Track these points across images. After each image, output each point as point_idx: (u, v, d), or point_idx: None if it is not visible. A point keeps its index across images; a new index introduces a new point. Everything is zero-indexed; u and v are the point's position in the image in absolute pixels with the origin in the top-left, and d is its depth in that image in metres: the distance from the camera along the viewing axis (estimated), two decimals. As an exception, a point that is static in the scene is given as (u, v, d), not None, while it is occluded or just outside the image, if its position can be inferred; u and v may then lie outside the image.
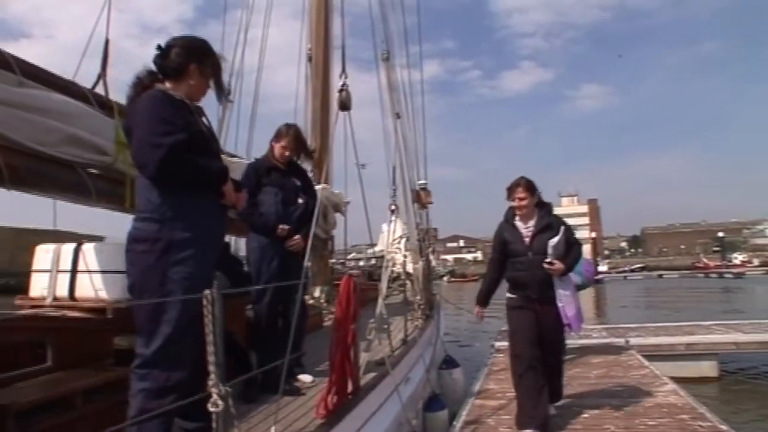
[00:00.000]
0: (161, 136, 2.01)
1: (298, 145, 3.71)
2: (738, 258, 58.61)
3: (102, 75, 3.43)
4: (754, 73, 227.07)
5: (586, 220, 79.39)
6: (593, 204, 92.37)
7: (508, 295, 3.99)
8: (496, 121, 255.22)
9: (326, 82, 7.05)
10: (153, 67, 2.22)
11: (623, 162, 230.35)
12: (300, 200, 3.65)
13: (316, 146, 6.71)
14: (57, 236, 4.21)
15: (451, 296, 14.75)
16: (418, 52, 8.93)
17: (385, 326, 3.89)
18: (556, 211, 4.20)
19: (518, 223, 3.93)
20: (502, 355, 6.53)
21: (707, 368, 7.57)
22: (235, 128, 6.52)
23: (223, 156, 2.93)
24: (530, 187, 3.91)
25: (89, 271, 3.09)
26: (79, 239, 3.48)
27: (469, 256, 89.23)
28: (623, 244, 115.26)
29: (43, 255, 3.27)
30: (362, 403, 3.02)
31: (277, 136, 3.66)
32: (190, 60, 2.20)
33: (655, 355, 7.18)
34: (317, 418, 2.71)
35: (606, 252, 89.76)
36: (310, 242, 3.20)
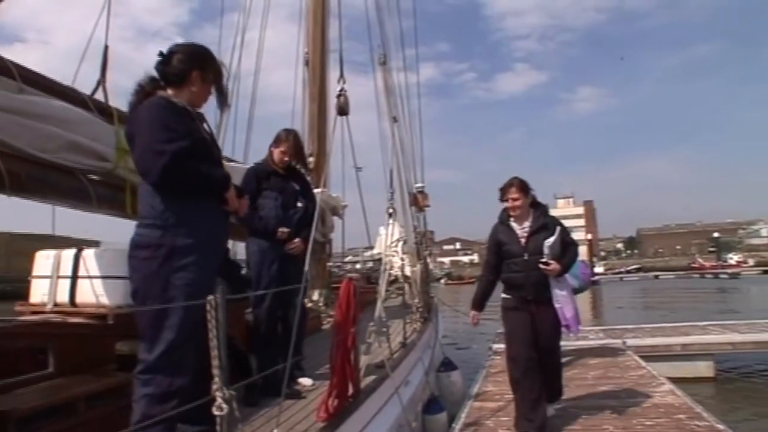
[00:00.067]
0: (164, 143, 2.03)
1: (297, 151, 3.74)
2: (733, 258, 58.78)
3: (101, 81, 3.44)
4: (748, 75, 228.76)
5: (581, 221, 79.41)
6: (589, 205, 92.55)
7: (504, 296, 3.94)
8: (491, 124, 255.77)
9: (323, 86, 7.08)
10: (155, 74, 2.24)
11: (619, 164, 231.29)
12: (299, 204, 3.69)
13: (313, 150, 6.74)
14: (52, 241, 4.22)
15: (448, 299, 14.79)
16: (414, 55, 8.99)
17: (384, 329, 3.90)
18: (552, 212, 4.15)
19: (513, 224, 3.87)
20: (499, 357, 6.54)
21: (703, 368, 7.61)
22: (232, 131, 6.54)
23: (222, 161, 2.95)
24: (523, 187, 3.85)
25: (90, 277, 3.10)
26: (74, 244, 3.49)
27: (466, 259, 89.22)
28: (619, 246, 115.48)
29: (44, 261, 3.28)
30: (363, 406, 3.04)
31: (277, 142, 3.69)
32: (192, 67, 2.22)
33: (651, 355, 7.22)
34: (318, 421, 2.73)
35: (602, 253, 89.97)
36: (310, 246, 3.21)
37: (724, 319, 10.15)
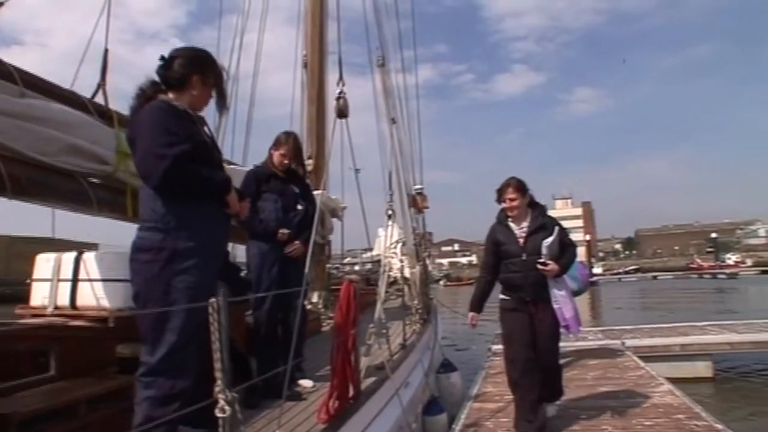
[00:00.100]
0: (165, 147, 2.04)
1: (296, 154, 3.75)
2: (731, 258, 58.97)
3: (101, 84, 3.45)
4: (746, 75, 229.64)
5: (580, 222, 79.59)
6: (587, 206, 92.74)
7: (502, 296, 3.90)
8: (489, 125, 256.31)
9: (322, 89, 7.10)
10: (155, 77, 2.25)
11: (617, 164, 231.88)
12: (299, 207, 3.70)
13: (312, 152, 6.76)
14: (50, 244, 4.21)
15: (447, 300, 14.80)
16: (412, 57, 9.03)
17: (384, 331, 3.91)
18: (550, 213, 4.07)
19: (511, 224, 3.83)
20: (498, 358, 6.55)
21: (702, 368, 7.64)
22: (231, 133, 6.56)
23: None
24: (521, 187, 3.81)
25: (90, 280, 3.11)
26: (73, 247, 3.50)
27: (464, 260, 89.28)
28: (617, 246, 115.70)
29: (44, 264, 3.29)
30: (363, 407, 3.05)
31: (276, 144, 3.70)
32: (193, 71, 2.23)
33: (650, 356, 7.23)
34: (319, 423, 2.74)
35: (600, 254, 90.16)
36: (310, 249, 3.22)
37: (723, 320, 10.18)
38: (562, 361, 4.38)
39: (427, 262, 8.11)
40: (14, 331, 2.64)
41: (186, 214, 2.11)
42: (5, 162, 2.63)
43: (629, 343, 7.68)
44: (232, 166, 4.84)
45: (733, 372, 7.98)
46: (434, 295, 8.53)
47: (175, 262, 2.07)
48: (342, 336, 2.95)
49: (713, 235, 66.32)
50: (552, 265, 3.63)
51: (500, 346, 6.69)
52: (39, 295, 3.25)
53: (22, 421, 2.17)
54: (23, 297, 3.32)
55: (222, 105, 2.53)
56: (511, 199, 3.78)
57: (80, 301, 3.12)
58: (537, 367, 3.73)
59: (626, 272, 58.81)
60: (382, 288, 4.36)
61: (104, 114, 3.30)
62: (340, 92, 3.92)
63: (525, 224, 3.80)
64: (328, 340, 3.25)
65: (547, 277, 3.69)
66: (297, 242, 3.57)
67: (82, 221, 3.46)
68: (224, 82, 2.42)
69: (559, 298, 3.72)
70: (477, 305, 4.00)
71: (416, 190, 8.00)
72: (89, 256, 3.19)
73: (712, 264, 54.54)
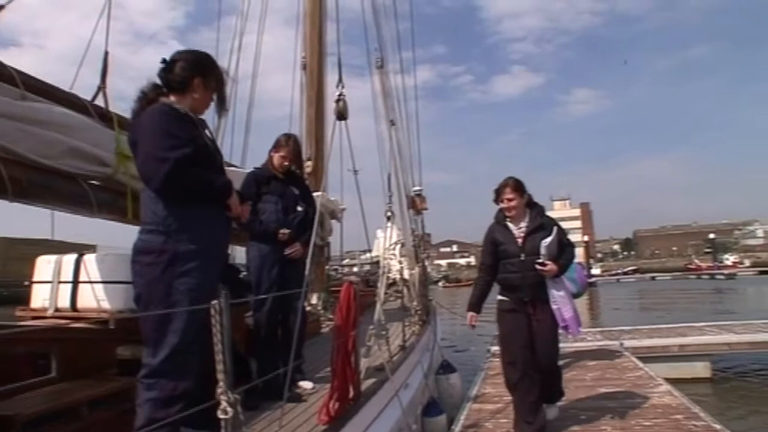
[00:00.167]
0: (167, 150, 2.05)
1: (296, 156, 3.77)
2: (729, 259, 59.03)
3: (102, 87, 3.46)
4: (743, 76, 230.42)
5: (578, 223, 79.62)
6: (585, 207, 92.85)
7: (500, 297, 3.86)
8: (487, 126, 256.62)
9: (321, 90, 7.11)
10: (157, 81, 2.26)
11: (615, 165, 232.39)
12: (299, 208, 3.71)
13: (311, 154, 6.77)
14: (47, 245, 4.21)
15: (446, 301, 14.80)
16: (411, 58, 9.06)
17: (384, 332, 3.92)
18: (548, 214, 4.06)
19: (510, 224, 3.80)
20: (497, 359, 6.53)
21: (700, 369, 7.67)
22: (230, 134, 6.57)
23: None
24: (519, 187, 3.77)
25: (91, 282, 3.12)
26: (70, 248, 3.50)
27: (463, 261, 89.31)
28: (616, 247, 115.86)
29: (45, 266, 3.30)
30: (363, 408, 3.06)
31: (277, 146, 3.71)
32: (194, 74, 2.25)
33: (649, 356, 7.25)
34: (320, 424, 2.75)
35: (599, 255, 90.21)
36: (311, 251, 3.23)
37: (721, 320, 10.21)
38: (560, 362, 4.37)
39: (426, 263, 8.13)
40: (16, 334, 2.64)
41: (187, 217, 2.12)
42: (6, 164, 2.63)
43: (628, 343, 7.70)
44: (231, 168, 4.85)
45: (731, 372, 8.01)
46: (433, 297, 8.54)
47: (177, 264, 2.08)
48: (342, 337, 2.96)
49: (711, 235, 66.36)
50: (551, 266, 3.60)
51: (499, 348, 6.72)
52: (40, 297, 3.26)
53: (26, 423, 2.18)
54: (20, 298, 3.32)
55: (222, 108, 2.54)
56: (509, 199, 3.75)
57: (81, 303, 3.14)
58: (535, 368, 3.69)
59: (624, 273, 58.82)
60: (381, 289, 4.37)
61: (104, 116, 3.31)
62: (340, 94, 3.92)
63: (523, 224, 3.77)
64: (328, 341, 3.26)
65: (546, 278, 3.66)
66: (297, 244, 3.58)
67: (75, 222, 3.44)
68: (225, 86, 2.43)
69: (557, 298, 3.68)
70: (476, 305, 3.93)
71: (415, 191, 8.02)
72: (90, 258, 3.21)
73: (710, 265, 54.57)
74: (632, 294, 32.27)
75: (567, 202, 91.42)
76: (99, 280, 3.12)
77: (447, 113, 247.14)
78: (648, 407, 4.47)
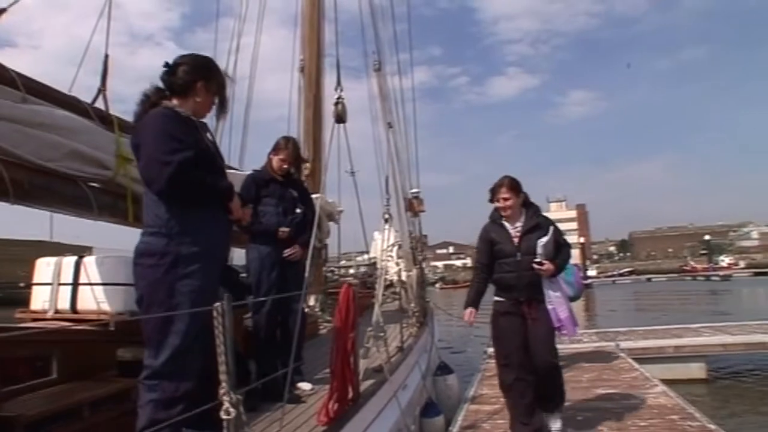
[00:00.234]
0: (169, 154, 2.07)
1: (295, 158, 3.79)
2: (725, 260, 59.41)
3: (102, 90, 3.46)
4: (739, 78, 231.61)
5: (574, 225, 79.80)
6: (581, 209, 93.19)
7: (496, 298, 3.79)
8: (483, 127, 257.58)
9: (318, 92, 7.14)
10: (160, 84, 2.29)
11: (611, 167, 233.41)
12: (298, 210, 3.72)
13: (309, 156, 6.79)
14: (43, 247, 4.22)
15: (442, 303, 14.79)
16: (408, 60, 9.09)
17: (382, 333, 3.94)
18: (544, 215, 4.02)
19: (505, 224, 3.74)
20: (494, 360, 6.58)
21: (696, 370, 7.71)
22: (228, 135, 6.60)
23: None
24: (514, 186, 3.71)
25: (91, 284, 3.13)
26: (66, 249, 3.51)
27: (459, 263, 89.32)
28: (612, 249, 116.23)
29: (44, 268, 3.31)
30: (362, 409, 3.08)
31: (276, 149, 3.73)
32: (197, 77, 2.27)
33: (644, 358, 7.30)
34: (320, 425, 2.76)
35: (595, 257, 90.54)
36: (310, 252, 3.25)
37: (716, 321, 10.28)
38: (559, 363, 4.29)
39: (423, 265, 8.16)
40: (17, 336, 2.65)
41: (189, 220, 2.14)
42: (8, 167, 2.64)
43: (624, 345, 7.75)
44: (230, 171, 4.86)
45: (726, 373, 8.07)
46: (430, 298, 8.56)
47: (179, 266, 2.10)
48: (341, 339, 2.98)
49: (706, 237, 66.77)
50: (547, 265, 3.56)
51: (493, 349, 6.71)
52: (40, 299, 3.27)
53: (28, 424, 2.20)
54: (16, 300, 3.32)
55: (222, 111, 2.56)
56: (505, 199, 3.70)
57: (81, 305, 3.15)
58: (530, 369, 3.62)
59: (620, 275, 59.04)
60: (380, 291, 4.39)
61: (105, 119, 3.32)
62: (339, 97, 3.94)
63: (519, 224, 3.72)
64: (325, 343, 3.28)
65: (542, 278, 3.62)
66: (296, 246, 3.60)
67: (72, 224, 3.43)
68: (226, 90, 2.46)
69: (553, 299, 3.64)
70: (473, 302, 3.83)
71: (413, 193, 8.05)
72: (90, 260, 3.22)
73: (706, 266, 54.90)
74: (628, 295, 32.38)
75: (563, 203, 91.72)
76: (99, 282, 3.14)
77: (443, 114, 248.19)
78: (644, 408, 4.50)
